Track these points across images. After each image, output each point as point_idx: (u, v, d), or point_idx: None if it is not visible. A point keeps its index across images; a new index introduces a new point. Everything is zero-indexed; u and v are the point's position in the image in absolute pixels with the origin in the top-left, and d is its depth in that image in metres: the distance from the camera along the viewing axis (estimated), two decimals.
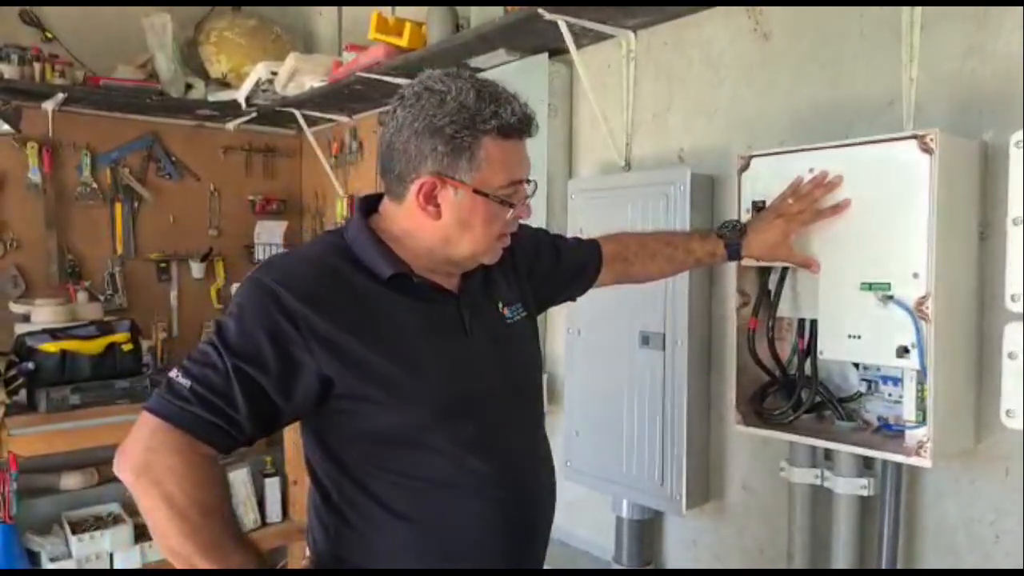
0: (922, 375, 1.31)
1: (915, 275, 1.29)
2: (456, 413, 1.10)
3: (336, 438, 1.11)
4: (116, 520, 2.56)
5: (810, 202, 1.40)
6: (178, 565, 1.00)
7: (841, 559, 1.53)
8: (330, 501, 1.13)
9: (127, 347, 2.65)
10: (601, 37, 2.03)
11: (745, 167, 1.55)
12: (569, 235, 2.01)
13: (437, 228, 1.09)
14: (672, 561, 2.01)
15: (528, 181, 1.14)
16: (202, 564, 0.99)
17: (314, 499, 1.16)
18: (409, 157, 1.06)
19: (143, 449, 0.99)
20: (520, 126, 1.08)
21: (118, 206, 3.28)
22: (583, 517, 2.24)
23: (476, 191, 1.06)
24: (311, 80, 2.78)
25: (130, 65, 3.14)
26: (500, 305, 1.22)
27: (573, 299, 1.51)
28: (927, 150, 1.28)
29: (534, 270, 1.34)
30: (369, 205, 1.17)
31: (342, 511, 1.12)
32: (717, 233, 1.48)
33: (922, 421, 1.33)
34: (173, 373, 1.02)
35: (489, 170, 1.06)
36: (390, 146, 1.08)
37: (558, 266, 1.40)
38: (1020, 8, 1.35)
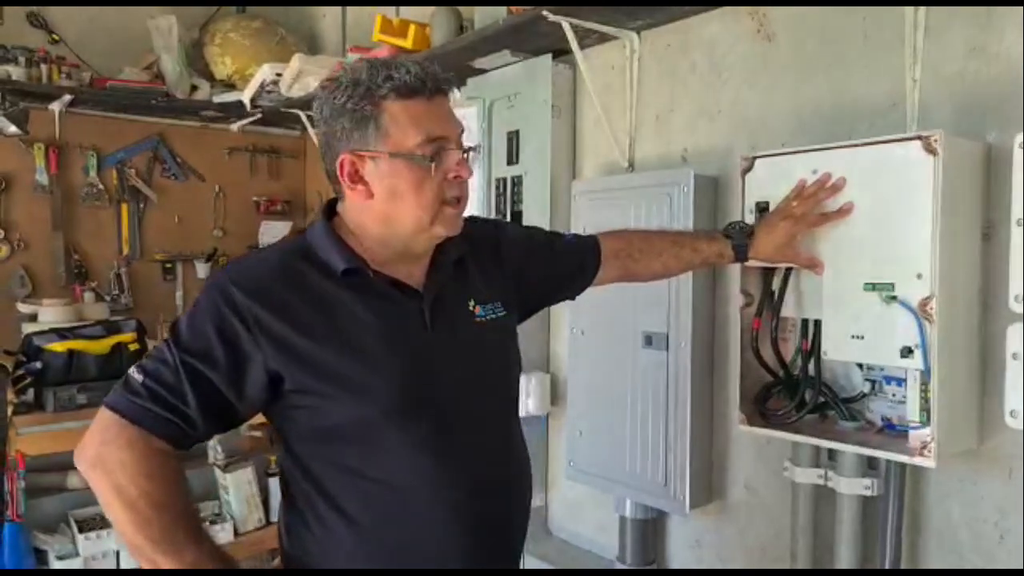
0: (926, 375, 1.31)
1: (919, 276, 1.30)
2: (409, 411, 1.08)
3: (294, 435, 1.11)
4: None
5: (814, 204, 1.41)
6: (133, 556, 1.02)
7: (844, 559, 1.53)
8: (292, 500, 1.13)
9: (133, 347, 2.65)
10: (605, 38, 2.03)
11: (748, 168, 1.55)
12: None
13: (375, 209, 1.09)
14: (675, 561, 2.02)
15: (468, 150, 1.11)
16: (153, 556, 1.00)
17: (282, 499, 1.17)
18: (331, 148, 1.09)
19: (98, 442, 1.02)
20: (418, 83, 1.06)
21: (124, 207, 3.30)
22: (586, 517, 2.25)
23: (392, 155, 1.06)
24: (315, 81, 2.79)
25: (136, 67, 3.16)
26: (472, 303, 1.19)
27: (572, 298, 1.49)
28: (931, 151, 1.28)
29: (525, 271, 1.32)
30: (332, 208, 1.18)
31: (302, 511, 1.12)
32: (724, 234, 1.47)
33: (926, 421, 1.33)
34: (131, 370, 1.05)
35: (399, 132, 1.06)
36: (319, 146, 1.13)
37: (553, 266, 1.39)
38: (1022, 9, 1.35)
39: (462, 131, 1.12)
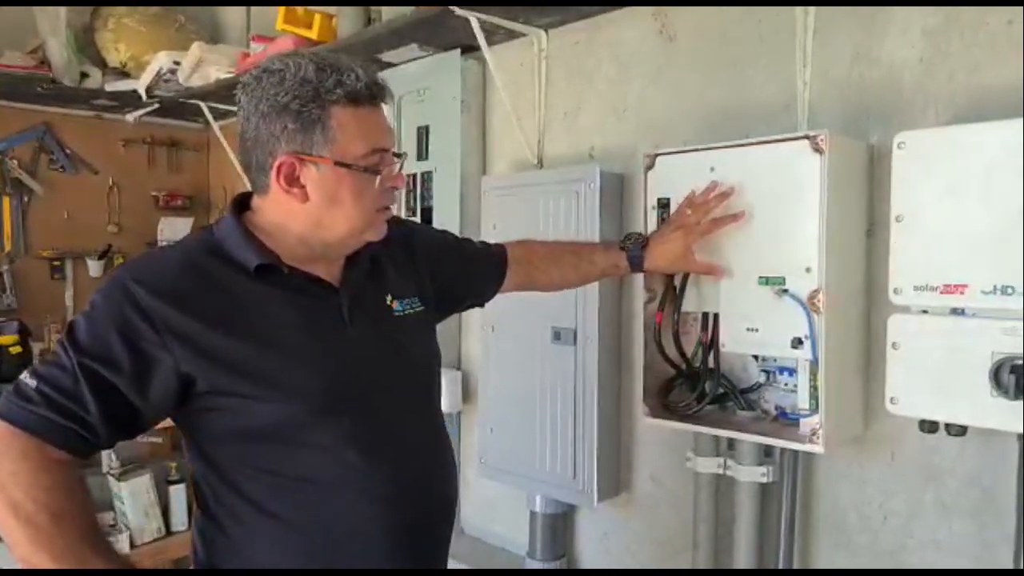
0: (814, 365, 1.37)
1: (807, 270, 1.35)
2: (333, 407, 1.06)
3: (208, 439, 1.07)
4: None
5: (705, 212, 1.44)
6: None
7: (743, 544, 1.58)
8: (207, 508, 1.09)
9: (15, 350, 2.50)
10: (513, 35, 2.03)
11: (651, 166, 1.58)
12: (482, 231, 2.02)
13: (307, 212, 1.06)
14: (585, 554, 2.04)
15: (398, 155, 1.11)
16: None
17: (195, 509, 1.12)
18: (262, 143, 1.04)
19: None
20: (368, 91, 1.04)
21: (6, 200, 3.08)
22: (498, 514, 2.24)
23: (338, 163, 1.04)
24: (217, 71, 2.68)
25: (19, 51, 2.95)
26: (389, 298, 1.19)
27: (481, 304, 1.50)
28: (818, 150, 1.34)
29: (438, 270, 1.32)
30: (242, 202, 1.13)
31: (218, 518, 1.07)
32: (620, 245, 1.51)
33: (815, 409, 1.39)
34: (23, 375, 0.98)
35: (346, 140, 1.03)
36: (243, 137, 1.06)
37: (464, 267, 1.40)
38: (901, 14, 1.43)
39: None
